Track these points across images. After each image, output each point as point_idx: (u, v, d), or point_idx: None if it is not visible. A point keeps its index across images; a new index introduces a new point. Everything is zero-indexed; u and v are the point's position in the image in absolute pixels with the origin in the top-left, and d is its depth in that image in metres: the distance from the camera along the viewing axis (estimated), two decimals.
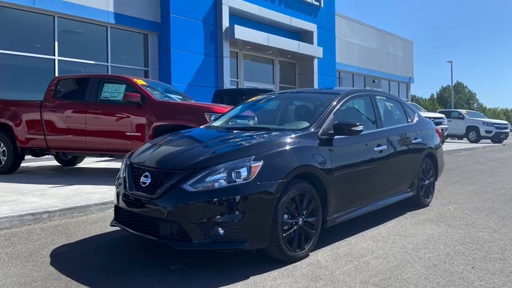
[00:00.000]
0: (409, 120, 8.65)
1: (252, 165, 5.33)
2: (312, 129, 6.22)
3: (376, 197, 7.13)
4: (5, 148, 11.80)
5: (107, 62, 19.70)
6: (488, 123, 33.30)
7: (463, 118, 33.73)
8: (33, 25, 17.45)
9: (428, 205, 8.50)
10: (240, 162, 5.41)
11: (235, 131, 6.84)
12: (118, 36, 20.28)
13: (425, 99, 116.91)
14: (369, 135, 7.04)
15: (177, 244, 5.19)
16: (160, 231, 5.35)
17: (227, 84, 22.57)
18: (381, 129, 7.50)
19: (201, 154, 5.73)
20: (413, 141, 8.13)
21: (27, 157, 12.68)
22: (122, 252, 5.84)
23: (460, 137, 34.45)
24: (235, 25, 22.72)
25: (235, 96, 16.56)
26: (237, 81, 25.58)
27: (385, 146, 7.19)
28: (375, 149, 6.99)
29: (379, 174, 7.09)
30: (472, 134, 32.95)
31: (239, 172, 5.32)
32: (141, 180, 5.68)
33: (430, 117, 17.24)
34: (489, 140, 33.39)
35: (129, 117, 10.71)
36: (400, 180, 7.76)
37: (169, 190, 5.33)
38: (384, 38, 41.67)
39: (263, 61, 28.10)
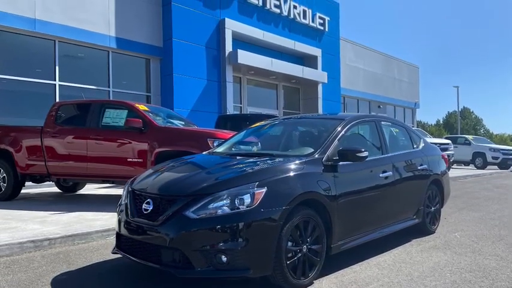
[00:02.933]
0: (415, 146, 8.59)
1: (256, 192, 5.27)
2: (317, 155, 6.15)
3: (382, 224, 7.05)
4: (5, 174, 11.72)
5: (109, 87, 19.64)
6: (495, 149, 33.21)
7: (469, 144, 33.65)
8: (33, 50, 17.44)
9: (434, 232, 8.40)
10: (244, 189, 5.36)
11: (238, 157, 6.81)
12: (119, 61, 20.24)
13: (431, 124, 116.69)
14: (374, 162, 6.99)
15: (180, 272, 5.13)
16: (163, 258, 5.28)
17: (230, 110, 22.53)
18: (386, 155, 7.44)
19: (204, 180, 5.69)
20: (419, 168, 8.06)
21: (27, 183, 12.60)
22: (123, 280, 5.77)
23: (466, 163, 34.31)
24: (239, 50, 22.70)
25: (238, 122, 16.46)
26: (241, 107, 25.54)
27: (391, 172, 7.12)
28: (380, 175, 6.92)
29: (384, 201, 7.01)
30: (479, 160, 32.86)
31: (242, 199, 5.26)
32: (143, 207, 5.63)
33: (436, 143, 17.18)
34: (496, 166, 33.14)
35: (130, 143, 10.65)
36: (406, 207, 7.68)
37: (171, 217, 5.28)
38: (389, 63, 41.62)
39: (267, 86, 28.09)
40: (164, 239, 5.21)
